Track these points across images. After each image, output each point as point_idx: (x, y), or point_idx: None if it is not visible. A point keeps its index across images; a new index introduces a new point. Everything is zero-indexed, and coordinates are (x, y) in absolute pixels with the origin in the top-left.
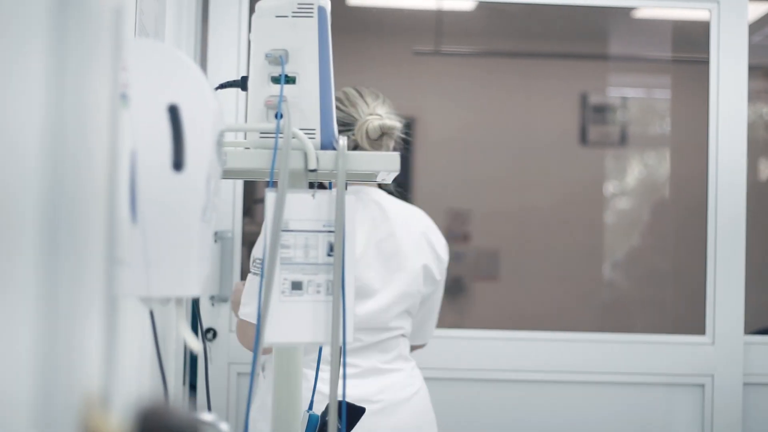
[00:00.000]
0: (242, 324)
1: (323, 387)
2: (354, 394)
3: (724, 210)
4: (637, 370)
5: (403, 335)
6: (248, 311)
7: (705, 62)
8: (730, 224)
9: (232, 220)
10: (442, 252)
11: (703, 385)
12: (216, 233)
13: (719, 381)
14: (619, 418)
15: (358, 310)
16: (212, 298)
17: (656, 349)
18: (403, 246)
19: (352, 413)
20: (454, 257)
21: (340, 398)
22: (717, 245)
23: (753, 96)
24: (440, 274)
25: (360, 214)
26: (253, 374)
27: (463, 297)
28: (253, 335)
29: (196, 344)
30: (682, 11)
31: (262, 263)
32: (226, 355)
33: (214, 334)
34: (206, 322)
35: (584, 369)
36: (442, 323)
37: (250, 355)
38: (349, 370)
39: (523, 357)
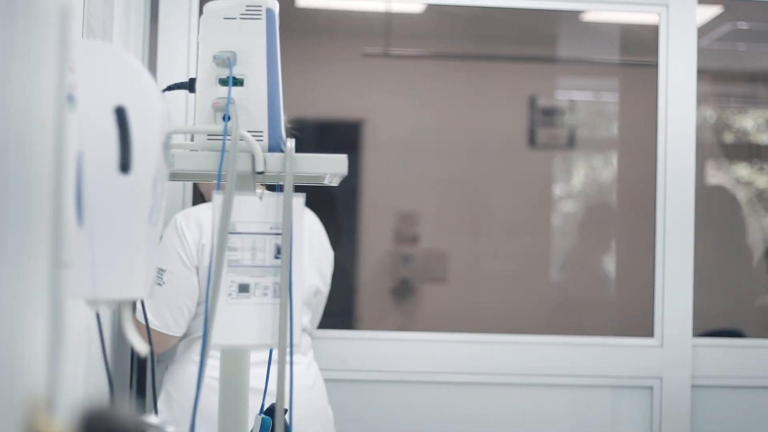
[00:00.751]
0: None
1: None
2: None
3: (672, 212)
4: (585, 372)
5: (302, 329)
6: (156, 321)
7: (653, 66)
8: (678, 227)
9: None
10: (329, 249)
11: (651, 388)
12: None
13: (667, 383)
14: (567, 421)
15: None
16: None
17: (604, 351)
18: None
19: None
20: (403, 260)
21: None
22: (665, 247)
23: (700, 99)
24: (330, 269)
25: None
26: (201, 374)
27: (411, 299)
28: (164, 343)
29: (142, 346)
30: (629, 15)
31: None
32: None
33: None
34: None
35: (532, 371)
36: (389, 326)
37: None
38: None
39: (470, 359)
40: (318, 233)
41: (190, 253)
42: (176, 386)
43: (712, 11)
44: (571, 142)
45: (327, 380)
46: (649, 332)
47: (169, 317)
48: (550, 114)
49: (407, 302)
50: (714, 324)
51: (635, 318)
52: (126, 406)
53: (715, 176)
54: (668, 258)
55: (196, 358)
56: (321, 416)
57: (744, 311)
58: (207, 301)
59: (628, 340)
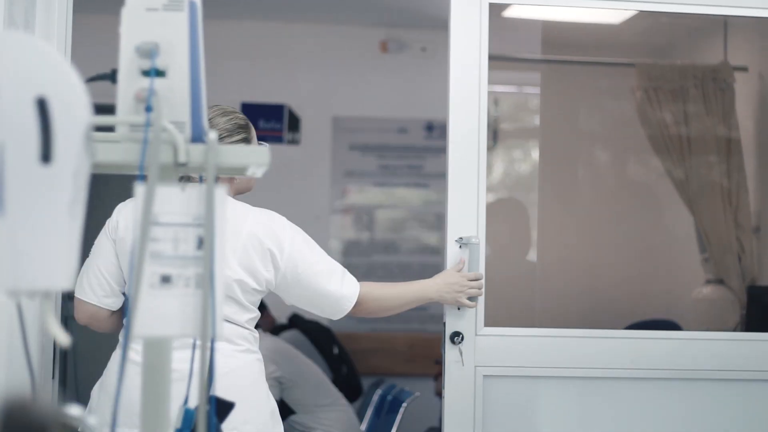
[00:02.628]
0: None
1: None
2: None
3: None
4: None
5: (226, 320)
6: (78, 288)
7: (572, 63)
8: None
9: (476, 226)
10: (273, 246)
11: None
12: (462, 238)
13: None
14: None
15: None
16: None
17: None
18: None
19: (221, 408)
20: None
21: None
22: None
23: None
24: (267, 267)
25: None
26: (123, 363)
27: None
28: (82, 310)
29: (64, 338)
30: (552, 12)
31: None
32: (473, 357)
33: (462, 338)
34: (452, 325)
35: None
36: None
37: (498, 357)
38: None
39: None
40: (255, 231)
41: (110, 225)
42: (107, 371)
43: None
44: (495, 138)
45: None
46: None
47: (86, 283)
48: None
49: None
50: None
51: None
52: (47, 398)
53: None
54: None
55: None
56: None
57: (679, 303)
58: (129, 292)
59: None
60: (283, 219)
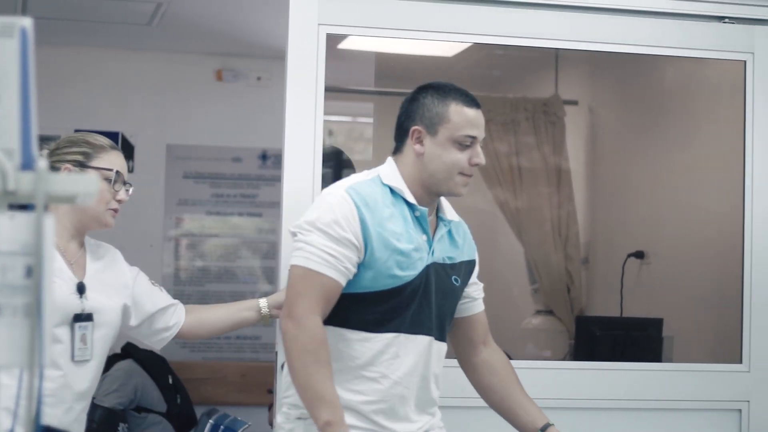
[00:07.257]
0: None
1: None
2: None
3: (759, 242)
4: (678, 396)
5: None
6: None
7: (404, 94)
8: (765, 258)
9: None
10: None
11: (740, 411)
12: None
13: (755, 406)
14: None
15: None
16: None
17: (695, 377)
18: None
19: None
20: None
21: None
22: (752, 278)
23: None
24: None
25: None
26: None
27: None
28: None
29: None
30: (384, 44)
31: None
32: None
33: None
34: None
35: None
36: None
37: None
38: None
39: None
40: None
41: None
42: None
43: None
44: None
45: None
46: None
47: None
48: None
49: None
50: None
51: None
52: None
53: None
54: (755, 287)
55: None
56: None
57: (509, 332)
58: None
59: (717, 366)
60: None
